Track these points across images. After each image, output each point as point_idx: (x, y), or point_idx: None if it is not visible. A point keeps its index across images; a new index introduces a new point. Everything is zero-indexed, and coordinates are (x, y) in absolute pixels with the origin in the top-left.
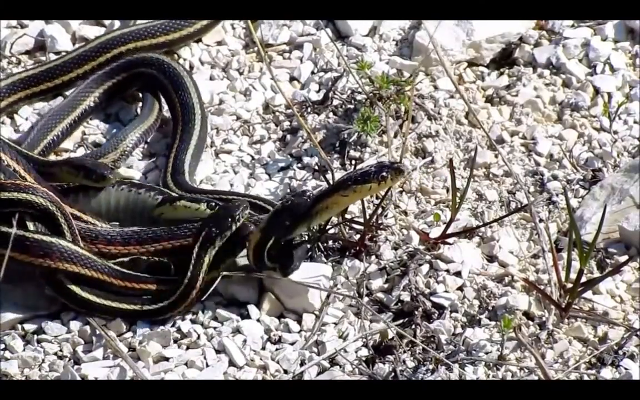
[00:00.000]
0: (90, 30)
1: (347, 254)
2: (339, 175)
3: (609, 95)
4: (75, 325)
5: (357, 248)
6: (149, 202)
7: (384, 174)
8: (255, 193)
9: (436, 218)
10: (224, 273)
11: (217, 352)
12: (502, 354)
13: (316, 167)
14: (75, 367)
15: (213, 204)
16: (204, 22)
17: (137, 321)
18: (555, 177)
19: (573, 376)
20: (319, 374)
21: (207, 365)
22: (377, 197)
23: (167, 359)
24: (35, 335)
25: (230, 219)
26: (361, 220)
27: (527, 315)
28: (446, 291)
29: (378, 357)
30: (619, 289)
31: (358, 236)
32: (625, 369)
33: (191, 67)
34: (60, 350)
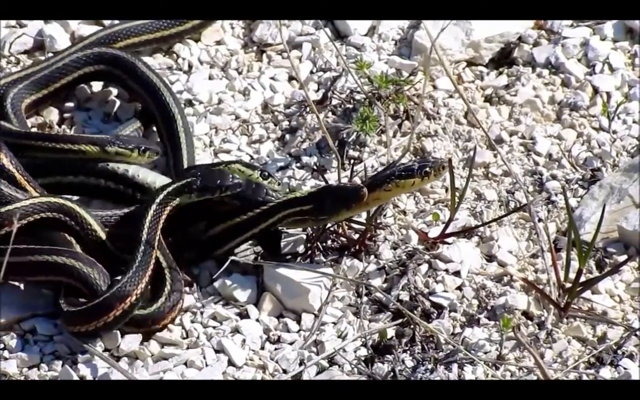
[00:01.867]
0: (89, 30)
1: (346, 253)
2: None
3: (608, 94)
4: None
5: (357, 247)
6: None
7: (427, 169)
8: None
9: (435, 217)
10: (233, 258)
11: (217, 351)
12: (501, 354)
13: (315, 167)
14: (73, 366)
15: (266, 174)
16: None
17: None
18: (554, 177)
19: (572, 376)
20: (318, 373)
21: (207, 365)
22: None
23: (166, 359)
24: (33, 335)
25: (219, 182)
26: (360, 219)
27: (526, 314)
28: (445, 291)
29: (377, 357)
30: (618, 288)
31: (357, 235)
32: (624, 368)
33: (190, 67)
34: (57, 351)
